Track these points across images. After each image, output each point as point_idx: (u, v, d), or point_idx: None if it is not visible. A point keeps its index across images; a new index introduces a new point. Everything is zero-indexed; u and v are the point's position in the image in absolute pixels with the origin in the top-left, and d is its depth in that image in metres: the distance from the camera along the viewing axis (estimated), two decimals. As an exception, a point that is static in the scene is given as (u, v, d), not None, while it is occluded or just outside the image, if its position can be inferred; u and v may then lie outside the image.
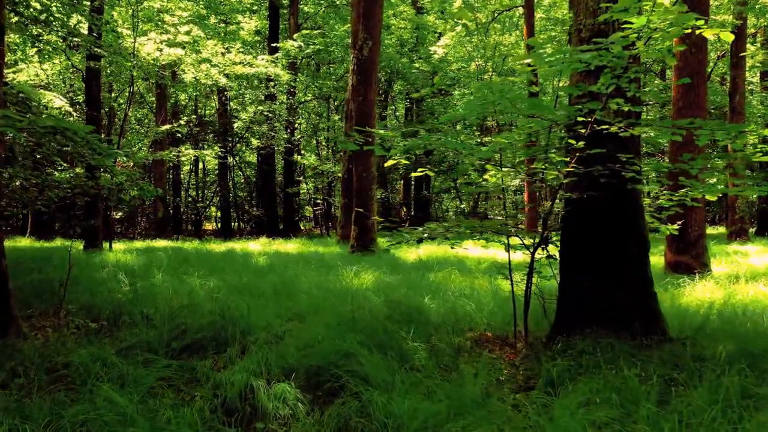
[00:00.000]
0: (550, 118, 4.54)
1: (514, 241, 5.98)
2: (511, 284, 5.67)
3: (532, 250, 5.38)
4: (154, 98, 27.66)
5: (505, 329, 6.46)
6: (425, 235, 4.96)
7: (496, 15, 24.52)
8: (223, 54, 21.07)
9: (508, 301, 7.55)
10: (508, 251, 5.57)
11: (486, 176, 5.34)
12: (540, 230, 5.64)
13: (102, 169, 7.57)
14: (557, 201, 5.43)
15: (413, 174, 5.04)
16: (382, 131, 4.51)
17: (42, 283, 9.36)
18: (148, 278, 9.95)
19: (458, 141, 4.43)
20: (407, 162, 5.09)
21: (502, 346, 6.02)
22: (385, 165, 4.76)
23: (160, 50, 18.23)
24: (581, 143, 4.89)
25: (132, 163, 23.14)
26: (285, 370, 4.43)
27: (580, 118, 4.85)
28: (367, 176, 14.77)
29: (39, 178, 7.25)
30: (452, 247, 5.07)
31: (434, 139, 4.38)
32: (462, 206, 33.04)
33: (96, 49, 11.61)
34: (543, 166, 5.00)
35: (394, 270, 10.84)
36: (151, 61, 17.42)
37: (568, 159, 5.03)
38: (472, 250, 16.12)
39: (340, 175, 25.74)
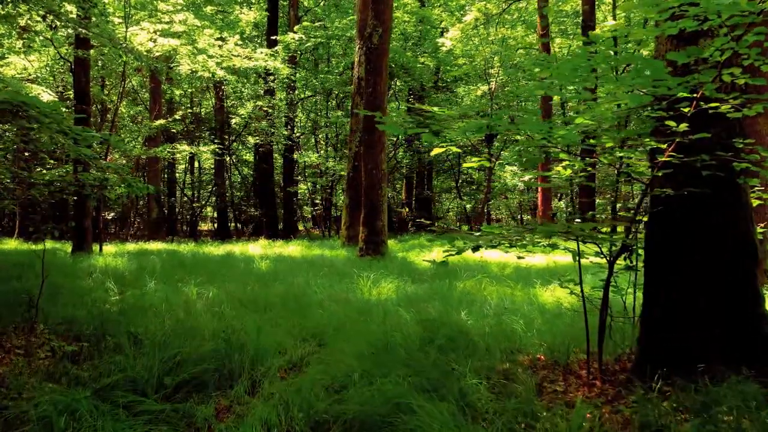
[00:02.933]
0: (655, 91, 3.49)
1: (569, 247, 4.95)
2: (583, 302, 4.61)
3: (611, 259, 4.33)
4: (147, 94, 26.54)
5: (560, 351, 5.41)
6: (480, 242, 3.91)
7: (506, 6, 23.49)
8: (220, 46, 19.96)
9: (558, 316, 6.52)
10: (578, 260, 4.52)
11: (558, 168, 4.29)
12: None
13: (86, 164, 6.54)
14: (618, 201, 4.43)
15: (466, 165, 3.97)
16: (436, 109, 3.45)
17: (20, 293, 8.27)
18: (140, 286, 8.91)
19: (535, 121, 3.39)
20: (458, 150, 4.03)
21: (564, 374, 4.97)
22: (432, 154, 3.70)
23: (154, 41, 17.13)
24: (683, 125, 3.85)
25: (124, 161, 22.04)
26: (313, 421, 3.38)
27: (681, 94, 3.80)
28: (376, 173, 13.71)
29: (3, 174, 6.16)
30: (519, 257, 4.03)
31: (505, 120, 3.35)
32: (468, 206, 31.93)
33: (82, 29, 10.50)
34: (631, 155, 3.94)
35: (414, 277, 9.79)
36: (145, 52, 16.31)
37: (664, 146, 3.98)
38: (487, 253, 15.09)
39: (343, 173, 24.67)
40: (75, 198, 11.92)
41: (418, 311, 6.14)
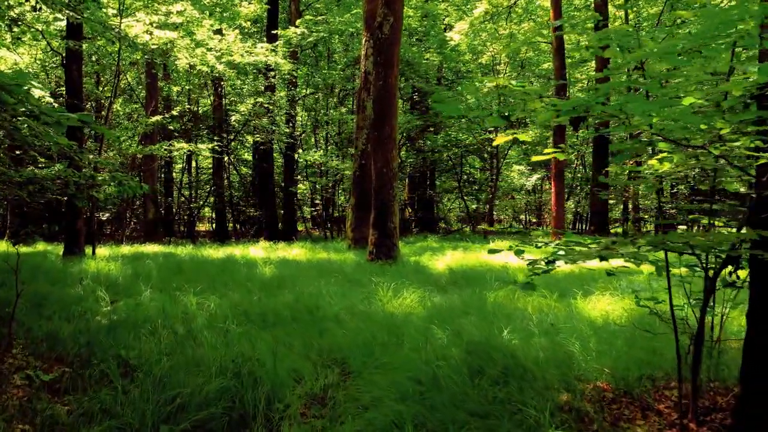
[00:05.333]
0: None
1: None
2: (674, 325, 3.78)
3: (713, 272, 3.51)
4: (144, 92, 25.65)
5: (630, 379, 4.59)
6: (561, 254, 3.09)
7: (516, -1, 22.70)
8: (219, 40, 19.10)
9: (613, 335, 5.71)
10: (667, 274, 3.70)
11: (651, 161, 3.47)
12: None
13: (71, 158, 5.70)
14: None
15: (535, 158, 3.11)
16: (514, 83, 2.62)
17: None
18: (134, 295, 8.09)
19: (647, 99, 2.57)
20: (528, 139, 3.22)
21: (642, 410, 4.15)
22: (495, 143, 2.88)
23: (150, 33, 16.26)
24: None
25: (119, 159, 21.17)
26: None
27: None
28: (387, 171, 12.87)
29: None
30: (609, 273, 3.22)
31: (614, 100, 2.53)
32: (473, 206, 31.09)
33: (71, 12, 9.65)
34: (753, 144, 3.12)
35: (431, 283, 8.96)
36: (140, 45, 15.46)
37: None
38: (499, 255, 14.27)
39: (347, 172, 23.83)
40: (65, 198, 11.08)
41: (455, 330, 5.30)
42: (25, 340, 6.08)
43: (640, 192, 26.91)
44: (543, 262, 3.24)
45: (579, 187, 29.71)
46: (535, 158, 3.44)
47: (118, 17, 14.82)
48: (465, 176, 33.66)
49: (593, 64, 25.60)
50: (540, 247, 3.31)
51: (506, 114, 2.99)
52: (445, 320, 5.79)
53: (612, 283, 8.96)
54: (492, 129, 28.75)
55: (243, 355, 4.13)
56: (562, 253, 3.13)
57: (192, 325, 6.17)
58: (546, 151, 3.27)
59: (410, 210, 33.20)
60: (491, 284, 8.36)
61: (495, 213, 37.21)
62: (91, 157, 6.00)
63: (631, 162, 26.03)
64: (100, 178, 7.13)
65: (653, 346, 5.28)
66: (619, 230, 27.40)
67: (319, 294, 7.74)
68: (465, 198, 31.91)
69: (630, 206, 26.97)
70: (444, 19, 29.84)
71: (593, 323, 6.00)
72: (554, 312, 6.50)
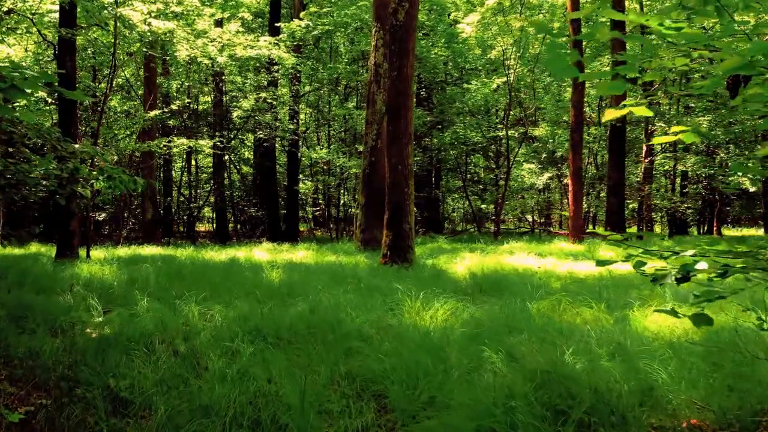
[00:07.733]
0: None
1: None
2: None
3: None
4: (142, 88, 24.78)
5: (730, 412, 3.77)
6: (702, 266, 2.27)
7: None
8: (220, 32, 18.27)
9: (693, 355, 4.86)
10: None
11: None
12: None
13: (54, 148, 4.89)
14: None
15: (655, 141, 2.29)
16: (668, 22, 1.77)
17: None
18: (129, 304, 7.22)
19: None
20: (650, 113, 2.39)
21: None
22: (604, 120, 2.07)
23: (149, 24, 15.42)
24: None
25: (116, 158, 20.34)
26: None
27: None
28: (402, 169, 12.03)
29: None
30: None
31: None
32: (483, 206, 30.24)
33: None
34: None
35: (459, 292, 8.12)
36: (138, 32, 14.64)
37: None
38: (519, 257, 13.45)
39: (354, 170, 23.01)
40: (44, 194, 10.28)
41: (508, 352, 4.45)
42: (2, 360, 5.28)
43: (653, 191, 26.12)
44: (672, 278, 2.40)
45: (591, 186, 28.88)
46: (656, 140, 2.60)
47: (114, 6, 13.99)
48: (469, 175, 32.88)
49: (607, 59, 24.81)
50: (666, 258, 2.47)
51: (634, 76, 2.14)
52: (491, 338, 4.94)
53: (655, 290, 8.13)
54: (501, 126, 27.92)
55: (262, 393, 3.28)
56: (703, 266, 2.29)
57: (195, 341, 5.34)
58: (673, 129, 2.45)
59: (416, 210, 32.35)
60: (530, 293, 7.51)
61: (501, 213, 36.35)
62: (76, 146, 5.16)
63: (646, 160, 25.33)
64: (94, 173, 6.30)
65: (740, 371, 4.47)
66: (634, 230, 26.58)
67: (338, 304, 6.88)
68: (470, 198, 31.10)
69: (644, 206, 26.15)
70: (449, 15, 29.01)
71: (665, 341, 5.16)
72: (614, 327, 5.65)
